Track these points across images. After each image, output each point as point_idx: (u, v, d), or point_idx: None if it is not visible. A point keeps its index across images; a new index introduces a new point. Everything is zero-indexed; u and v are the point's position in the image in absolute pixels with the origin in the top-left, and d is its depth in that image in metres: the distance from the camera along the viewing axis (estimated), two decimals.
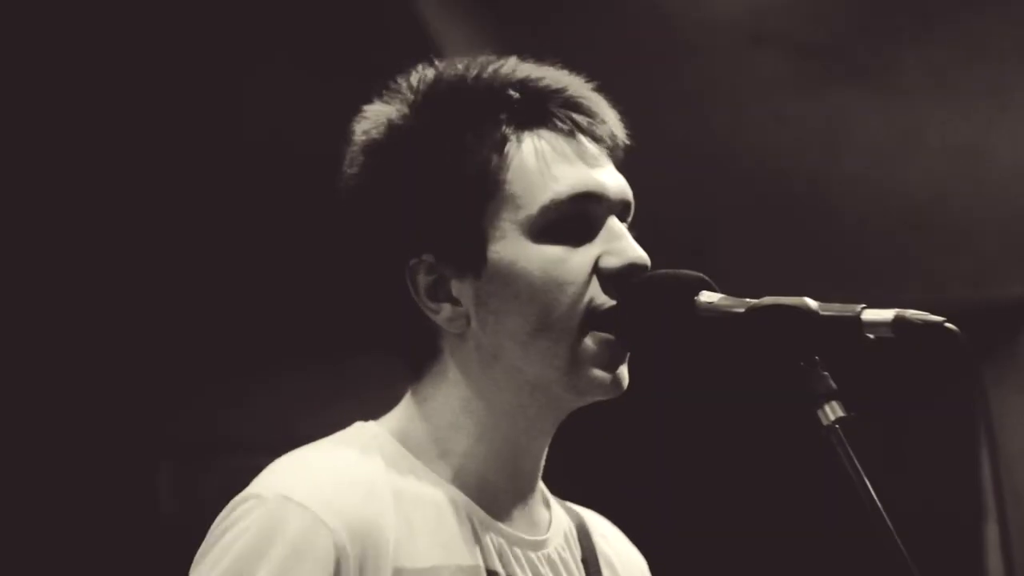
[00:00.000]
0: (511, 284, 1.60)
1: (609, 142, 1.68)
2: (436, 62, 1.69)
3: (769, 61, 4.34)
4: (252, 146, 4.09)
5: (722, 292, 1.62)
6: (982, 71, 4.43)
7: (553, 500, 1.76)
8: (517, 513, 1.67)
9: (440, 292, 1.63)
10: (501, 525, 1.64)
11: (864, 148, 4.64)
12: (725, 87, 4.43)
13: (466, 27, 3.96)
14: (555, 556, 1.70)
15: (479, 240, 1.61)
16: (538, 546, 1.67)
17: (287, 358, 4.88)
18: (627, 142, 1.70)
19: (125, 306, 4.59)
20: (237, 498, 1.58)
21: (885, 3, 4.32)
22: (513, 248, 1.60)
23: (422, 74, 1.68)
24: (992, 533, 4.93)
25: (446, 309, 1.62)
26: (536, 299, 1.60)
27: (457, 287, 1.62)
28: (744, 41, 4.29)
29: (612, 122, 1.68)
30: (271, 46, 3.89)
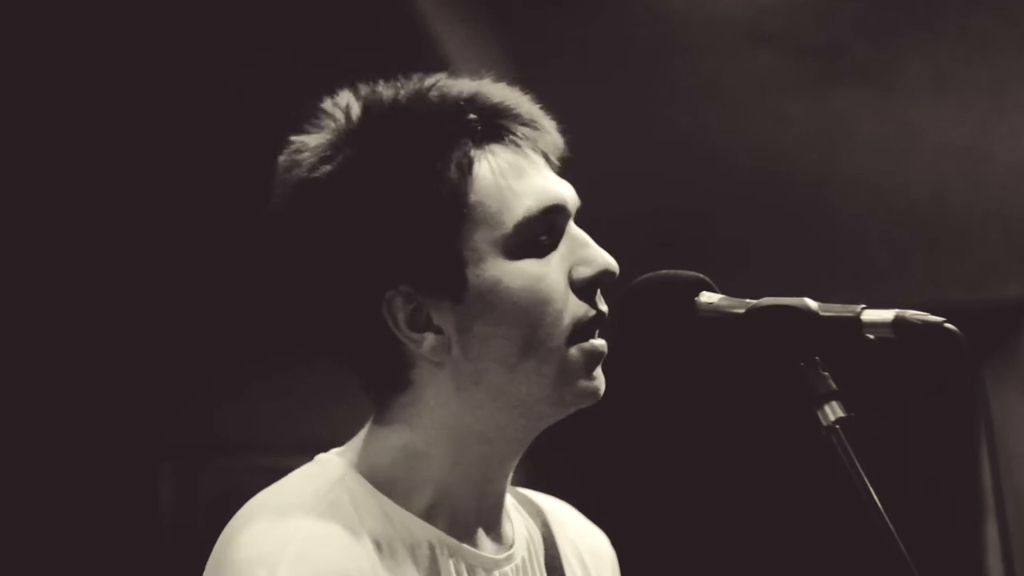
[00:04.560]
0: (496, 306, 1.58)
1: (553, 151, 1.67)
2: (357, 86, 1.65)
3: (769, 61, 4.34)
4: (249, 142, 4.09)
5: (722, 292, 1.62)
6: (982, 71, 4.43)
7: (512, 502, 1.75)
8: (485, 533, 1.66)
9: (419, 322, 1.60)
10: (471, 550, 1.64)
11: (864, 148, 4.64)
12: (725, 87, 4.43)
13: (466, 27, 3.96)
14: (521, 569, 1.69)
15: (457, 265, 1.58)
16: (505, 563, 1.67)
17: (288, 359, 4.88)
18: (566, 151, 1.69)
19: (125, 307, 4.59)
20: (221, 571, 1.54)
21: (885, 3, 4.32)
22: (493, 269, 1.59)
23: (348, 100, 1.64)
24: (992, 533, 4.93)
25: (429, 338, 1.59)
26: (522, 319, 1.58)
27: (437, 315, 1.59)
28: (744, 41, 4.29)
29: (553, 132, 1.67)
30: (270, 43, 3.89)
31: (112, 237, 4.39)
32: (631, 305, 1.62)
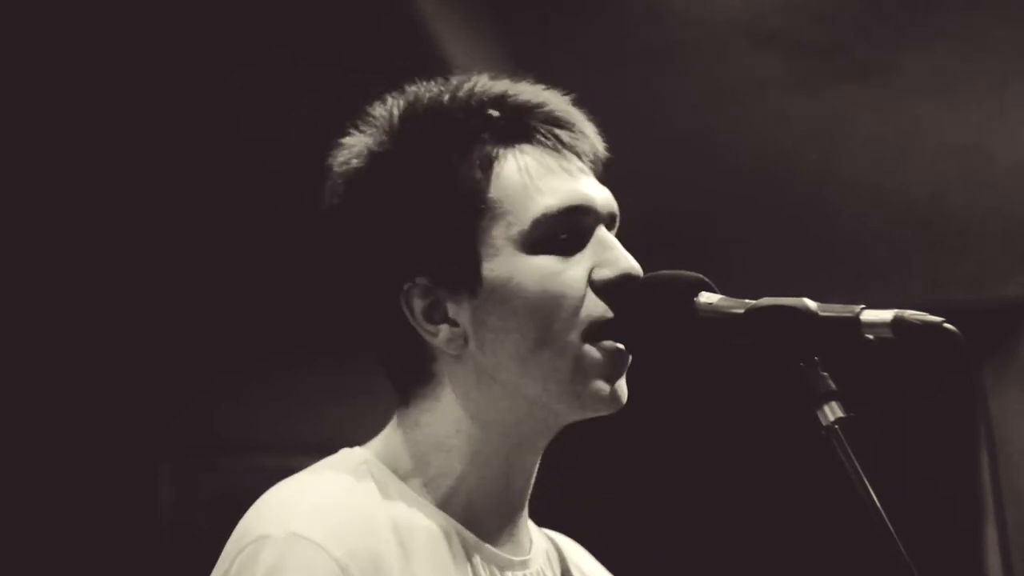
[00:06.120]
0: (509, 301, 1.60)
1: (591, 155, 1.68)
2: (406, 89, 1.69)
3: (769, 61, 4.34)
4: (249, 142, 4.09)
5: (722, 293, 1.62)
6: (982, 71, 4.43)
7: (531, 523, 1.76)
8: (505, 534, 1.67)
9: (436, 314, 1.63)
10: (490, 547, 1.65)
11: (864, 148, 4.64)
12: (725, 87, 4.42)
13: (466, 27, 3.96)
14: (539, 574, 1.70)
15: (473, 259, 1.61)
16: (524, 566, 1.68)
17: (288, 359, 4.88)
18: (607, 155, 1.70)
19: (125, 307, 4.59)
20: (242, 539, 1.56)
21: (885, 3, 4.32)
22: (508, 264, 1.60)
23: (395, 102, 1.68)
24: (992, 533, 4.93)
25: (444, 331, 1.62)
26: (534, 314, 1.60)
27: (453, 308, 1.62)
28: (744, 41, 4.29)
29: (592, 136, 1.69)
30: (270, 43, 3.89)
31: (112, 237, 4.39)
32: (631, 306, 1.62)
